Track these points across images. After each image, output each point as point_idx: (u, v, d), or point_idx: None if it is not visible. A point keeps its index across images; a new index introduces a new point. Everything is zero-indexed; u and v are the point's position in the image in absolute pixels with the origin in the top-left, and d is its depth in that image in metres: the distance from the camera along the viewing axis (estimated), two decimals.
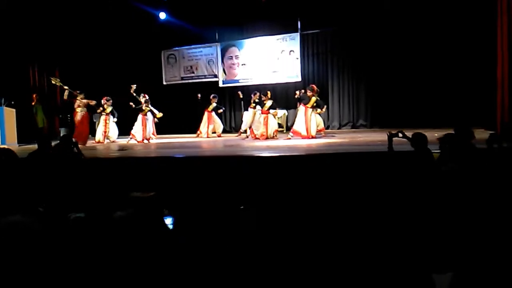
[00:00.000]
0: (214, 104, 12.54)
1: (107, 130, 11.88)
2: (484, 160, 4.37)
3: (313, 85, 10.67)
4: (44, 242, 2.23)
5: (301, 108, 10.51)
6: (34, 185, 4.37)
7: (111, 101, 11.87)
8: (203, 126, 12.62)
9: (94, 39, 14.41)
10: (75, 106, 10.98)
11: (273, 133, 11.13)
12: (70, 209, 3.21)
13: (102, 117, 11.89)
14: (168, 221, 3.41)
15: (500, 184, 4.06)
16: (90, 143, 11.18)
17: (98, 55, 14.68)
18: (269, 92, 11.25)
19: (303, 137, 10.22)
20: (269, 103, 11.08)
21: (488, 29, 9.16)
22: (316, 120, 10.66)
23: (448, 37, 11.26)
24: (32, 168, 5.24)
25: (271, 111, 11.24)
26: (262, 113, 11.14)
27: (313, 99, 10.41)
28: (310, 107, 10.39)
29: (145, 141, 11.36)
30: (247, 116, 11.98)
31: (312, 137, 10.22)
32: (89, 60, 14.67)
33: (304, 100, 10.45)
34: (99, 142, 11.66)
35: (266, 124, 11.00)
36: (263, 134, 10.87)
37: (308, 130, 10.27)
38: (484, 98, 9.78)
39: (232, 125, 14.74)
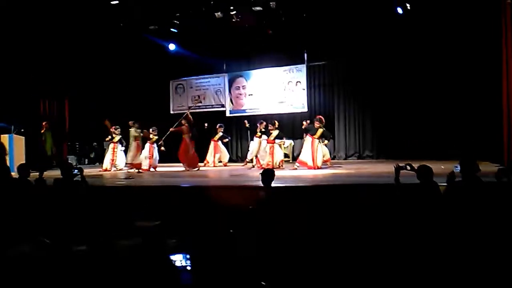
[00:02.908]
0: (220, 133, 12.64)
1: (114, 158, 11.96)
2: (493, 194, 4.35)
3: (321, 116, 10.75)
4: (49, 274, 2.23)
5: (307, 139, 10.55)
6: (46, 214, 4.41)
7: (119, 129, 11.99)
8: (209, 156, 12.68)
9: (104, 69, 14.70)
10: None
11: (279, 163, 11.14)
12: (73, 241, 3.21)
13: (111, 146, 12.00)
14: (179, 257, 3.36)
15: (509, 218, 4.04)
16: (97, 171, 11.24)
17: (108, 85, 14.93)
18: (276, 122, 11.33)
19: (309, 168, 10.22)
20: (275, 132, 11.14)
21: (494, 62, 9.24)
22: (322, 151, 10.68)
23: (454, 69, 11.35)
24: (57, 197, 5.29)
25: (277, 140, 11.30)
26: (268, 142, 11.19)
27: (320, 130, 10.47)
28: (317, 138, 10.44)
29: (152, 169, 11.41)
30: (253, 145, 12.03)
31: (318, 168, 10.22)
32: (99, 89, 14.92)
33: (311, 130, 10.51)
34: (106, 170, 11.73)
35: (272, 153, 11.03)
36: (269, 163, 10.89)
37: (314, 160, 10.28)
38: (490, 131, 9.79)
39: (238, 155, 14.78)
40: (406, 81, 12.14)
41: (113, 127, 11.94)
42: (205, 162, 12.64)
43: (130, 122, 11.44)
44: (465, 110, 11.12)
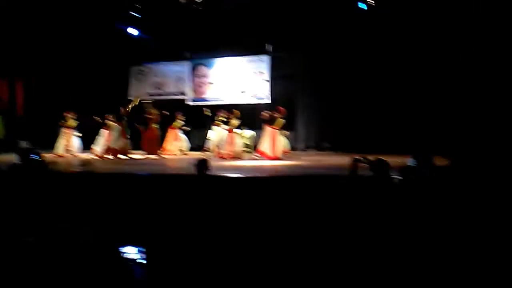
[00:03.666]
0: (179, 122, 12.47)
1: (68, 143, 11.60)
2: (443, 188, 4.49)
3: (281, 107, 10.77)
4: None
5: (267, 129, 10.56)
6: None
7: (74, 114, 11.63)
8: (167, 144, 12.49)
9: (61, 52, 14.14)
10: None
11: (239, 153, 11.12)
12: (24, 231, 3.07)
13: (64, 130, 11.62)
14: (133, 249, 3.27)
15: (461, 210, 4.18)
16: (50, 156, 10.84)
17: (65, 68, 14.41)
18: (235, 111, 11.28)
19: (269, 158, 10.26)
20: (235, 122, 11.10)
21: (451, 60, 9.52)
22: (281, 142, 10.74)
23: (412, 65, 11.59)
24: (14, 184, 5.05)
25: (238, 130, 11.27)
26: (228, 132, 11.14)
27: (280, 120, 10.51)
28: (277, 129, 10.47)
29: (108, 156, 11.13)
30: (211, 134, 11.95)
31: (278, 158, 10.26)
32: (56, 72, 14.38)
33: (271, 121, 10.52)
34: (59, 155, 11.36)
35: (231, 143, 10.99)
36: (229, 153, 10.85)
37: (274, 151, 10.32)
38: (443, 126, 10.09)
39: (198, 143, 14.60)
40: (366, 76, 12.35)
41: (68, 111, 11.55)
42: (161, 149, 12.44)
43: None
44: (421, 104, 11.42)
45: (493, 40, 8.07)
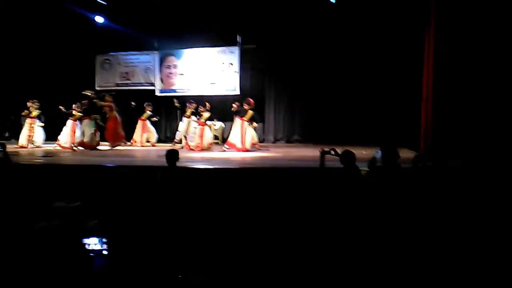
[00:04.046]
0: (148, 112, 12.31)
1: (32, 134, 11.27)
2: (409, 179, 4.60)
3: (250, 99, 10.77)
4: None
5: (237, 121, 10.55)
6: None
7: (37, 104, 11.29)
8: (136, 135, 12.34)
9: (24, 39, 13.67)
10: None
11: (208, 145, 11.07)
12: None
13: (28, 121, 11.27)
14: (94, 240, 3.21)
15: (426, 201, 4.29)
16: (12, 147, 10.51)
17: (28, 56, 13.94)
18: (207, 104, 11.22)
19: (238, 150, 10.26)
20: (206, 114, 11.04)
21: (416, 52, 9.71)
22: (251, 133, 10.75)
23: (379, 59, 11.80)
24: None
25: (208, 122, 11.21)
26: (198, 124, 11.07)
27: (250, 112, 10.51)
28: (246, 121, 10.47)
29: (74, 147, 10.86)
30: (182, 126, 11.84)
31: (247, 150, 10.28)
32: (18, 60, 13.90)
33: (241, 113, 10.52)
34: (22, 146, 11.03)
35: (201, 135, 10.94)
36: (198, 145, 10.79)
37: (243, 143, 10.33)
38: (409, 119, 10.33)
39: (167, 135, 14.47)
40: (334, 69, 12.50)
41: (31, 100, 11.19)
42: (132, 141, 12.30)
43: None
44: (386, 98, 11.65)
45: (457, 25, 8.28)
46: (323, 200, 4.56)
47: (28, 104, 11.21)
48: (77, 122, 11.07)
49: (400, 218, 4.09)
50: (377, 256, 3.67)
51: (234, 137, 10.50)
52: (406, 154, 6.98)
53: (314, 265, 3.54)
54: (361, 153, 6.46)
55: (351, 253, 3.75)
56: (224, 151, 10.38)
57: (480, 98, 7.96)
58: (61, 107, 11.10)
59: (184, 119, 11.68)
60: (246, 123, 10.45)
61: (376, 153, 5.12)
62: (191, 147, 10.89)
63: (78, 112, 11.09)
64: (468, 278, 3.28)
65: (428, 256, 3.61)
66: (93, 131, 10.84)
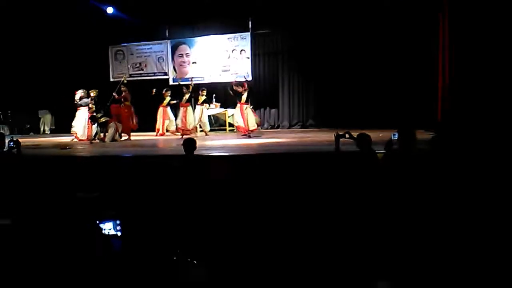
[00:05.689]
0: (168, 98, 12.16)
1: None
2: (427, 161, 4.55)
3: (245, 82, 11.02)
4: None
5: (237, 105, 10.97)
6: None
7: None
8: (158, 123, 12.21)
9: (39, 32, 13.81)
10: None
11: (192, 129, 11.56)
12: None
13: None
14: (109, 225, 3.28)
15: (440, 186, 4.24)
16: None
17: (43, 49, 14.09)
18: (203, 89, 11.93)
19: (244, 131, 10.71)
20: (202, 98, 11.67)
21: (431, 34, 9.55)
22: (251, 115, 10.97)
23: (394, 42, 11.63)
24: None
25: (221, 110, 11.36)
26: (180, 105, 11.56)
27: (244, 95, 10.76)
28: (243, 103, 10.76)
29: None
30: (196, 113, 11.93)
31: (251, 131, 10.65)
32: (34, 53, 14.06)
33: (238, 96, 10.81)
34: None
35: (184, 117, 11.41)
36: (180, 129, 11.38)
37: (245, 124, 10.65)
38: (425, 101, 10.20)
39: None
40: (348, 52, 12.34)
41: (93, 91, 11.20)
42: (156, 131, 12.22)
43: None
44: (402, 80, 11.49)
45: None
46: (339, 184, 4.55)
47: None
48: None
49: (416, 204, 4.06)
50: (394, 243, 3.66)
51: (238, 120, 10.86)
52: (423, 136, 6.91)
53: (329, 253, 3.55)
54: (378, 135, 6.41)
55: (367, 239, 3.75)
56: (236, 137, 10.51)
57: (497, 83, 7.82)
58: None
59: (197, 107, 11.74)
60: (244, 106, 10.73)
61: (393, 135, 5.08)
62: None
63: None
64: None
65: (445, 245, 3.58)
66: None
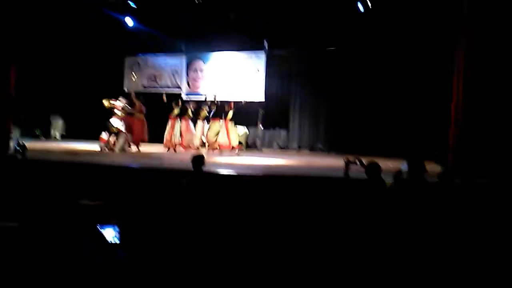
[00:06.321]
0: (176, 110, 12.13)
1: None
2: (436, 194, 4.48)
3: (231, 102, 11.63)
4: None
5: (221, 123, 11.36)
6: None
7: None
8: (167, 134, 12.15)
9: (57, 39, 14.03)
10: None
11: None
12: (3, 217, 3.00)
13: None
14: (111, 231, 3.25)
15: (452, 219, 4.17)
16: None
17: (61, 56, 14.29)
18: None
19: (227, 148, 11.16)
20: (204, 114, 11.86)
21: (446, 64, 9.50)
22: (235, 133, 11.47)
23: (408, 69, 11.62)
24: None
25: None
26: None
27: (230, 113, 11.35)
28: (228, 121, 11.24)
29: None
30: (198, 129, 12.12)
31: (233, 148, 11.16)
32: (51, 60, 14.26)
33: (224, 114, 11.37)
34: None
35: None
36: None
37: (229, 141, 11.17)
38: (437, 132, 10.11)
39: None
40: (362, 78, 12.33)
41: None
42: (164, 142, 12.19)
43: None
44: (414, 109, 11.45)
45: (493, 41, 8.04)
46: (347, 211, 4.48)
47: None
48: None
49: (424, 234, 3.98)
50: (401, 271, 3.59)
51: (221, 138, 11.27)
52: (433, 168, 6.82)
53: (337, 276, 3.48)
54: (387, 165, 6.34)
55: (374, 267, 3.67)
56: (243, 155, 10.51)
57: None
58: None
59: (198, 122, 11.96)
60: (229, 123, 11.24)
61: (403, 165, 5.02)
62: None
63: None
64: None
65: (453, 275, 3.51)
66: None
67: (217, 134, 11.39)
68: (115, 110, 10.83)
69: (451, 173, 4.83)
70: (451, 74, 8.98)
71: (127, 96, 12.30)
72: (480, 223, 4.17)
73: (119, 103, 11.03)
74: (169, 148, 11.81)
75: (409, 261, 3.71)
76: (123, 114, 10.95)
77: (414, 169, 4.51)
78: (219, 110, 11.65)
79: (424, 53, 11.08)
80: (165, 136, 11.88)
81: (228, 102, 11.86)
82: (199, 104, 12.16)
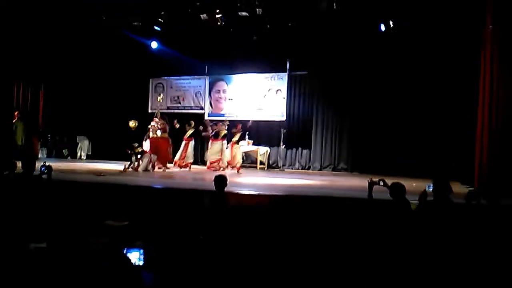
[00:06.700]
0: (190, 131, 12.30)
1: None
2: (462, 216, 4.40)
3: (219, 122, 12.21)
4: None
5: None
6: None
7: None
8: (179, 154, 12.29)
9: (84, 62, 14.46)
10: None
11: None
12: (31, 238, 3.07)
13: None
14: (136, 255, 3.28)
15: (479, 241, 4.08)
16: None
17: (87, 78, 14.69)
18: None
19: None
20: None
21: (472, 82, 9.38)
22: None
23: (431, 88, 11.52)
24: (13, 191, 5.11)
25: (254, 147, 11.44)
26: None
27: (237, 135, 11.99)
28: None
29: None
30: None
31: (233, 167, 11.72)
32: (77, 82, 14.68)
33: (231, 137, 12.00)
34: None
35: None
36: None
37: (232, 160, 11.87)
38: (462, 152, 9.95)
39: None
40: (384, 97, 12.27)
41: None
42: (174, 162, 12.28)
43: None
44: (439, 130, 11.30)
45: None
46: (371, 232, 4.44)
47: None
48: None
49: (450, 257, 3.91)
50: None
51: (226, 156, 11.92)
52: (459, 189, 6.71)
53: None
54: (411, 185, 6.27)
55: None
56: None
57: None
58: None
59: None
60: (235, 145, 11.97)
61: (428, 186, 4.96)
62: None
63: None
64: None
65: None
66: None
67: (217, 153, 11.86)
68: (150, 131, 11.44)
69: (478, 194, 4.72)
70: (477, 91, 8.88)
71: (151, 116, 12.56)
72: (509, 245, 4.07)
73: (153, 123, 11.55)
74: (180, 167, 11.96)
75: (435, 284, 3.64)
76: (154, 135, 11.27)
77: (439, 190, 4.45)
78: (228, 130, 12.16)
79: (448, 71, 10.98)
80: (177, 156, 12.10)
81: (236, 123, 12.51)
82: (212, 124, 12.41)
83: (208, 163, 12.02)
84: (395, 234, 4.21)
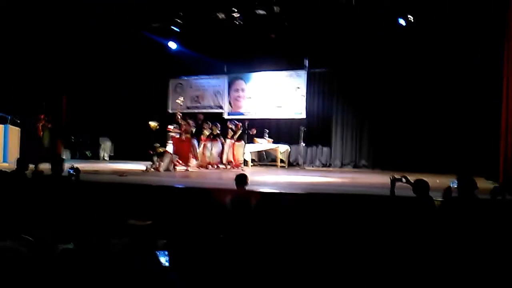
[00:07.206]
0: (207, 132, 12.36)
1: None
2: (487, 212, 4.32)
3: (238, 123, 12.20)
4: (32, 273, 2.16)
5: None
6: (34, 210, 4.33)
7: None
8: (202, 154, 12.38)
9: (104, 65, 14.67)
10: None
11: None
12: (59, 239, 3.12)
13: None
14: (163, 254, 3.31)
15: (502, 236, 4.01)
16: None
17: (107, 81, 14.90)
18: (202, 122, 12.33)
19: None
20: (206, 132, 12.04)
21: (494, 77, 9.21)
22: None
23: (454, 83, 11.34)
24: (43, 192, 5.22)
25: (274, 145, 11.41)
26: (202, 140, 11.97)
27: (238, 133, 11.99)
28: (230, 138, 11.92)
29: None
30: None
31: (235, 165, 11.82)
32: (98, 84, 14.89)
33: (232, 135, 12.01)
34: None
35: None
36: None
37: (234, 159, 11.92)
38: (487, 147, 9.77)
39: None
40: (405, 93, 12.12)
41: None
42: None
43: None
44: (462, 125, 11.11)
45: None
46: (394, 230, 4.39)
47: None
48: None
49: (476, 253, 3.84)
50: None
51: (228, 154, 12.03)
52: (483, 184, 6.59)
53: None
54: (435, 181, 6.17)
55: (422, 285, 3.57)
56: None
57: None
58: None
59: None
60: (236, 143, 12.01)
61: (452, 182, 4.88)
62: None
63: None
64: None
65: None
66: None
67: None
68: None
69: (503, 189, 4.63)
70: (501, 86, 8.70)
71: (171, 117, 12.67)
72: None
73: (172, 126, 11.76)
74: (201, 167, 11.96)
75: (462, 281, 3.58)
76: (176, 135, 11.43)
77: (464, 186, 4.38)
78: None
79: (470, 65, 10.79)
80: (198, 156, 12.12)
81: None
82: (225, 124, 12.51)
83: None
84: (419, 232, 4.16)
